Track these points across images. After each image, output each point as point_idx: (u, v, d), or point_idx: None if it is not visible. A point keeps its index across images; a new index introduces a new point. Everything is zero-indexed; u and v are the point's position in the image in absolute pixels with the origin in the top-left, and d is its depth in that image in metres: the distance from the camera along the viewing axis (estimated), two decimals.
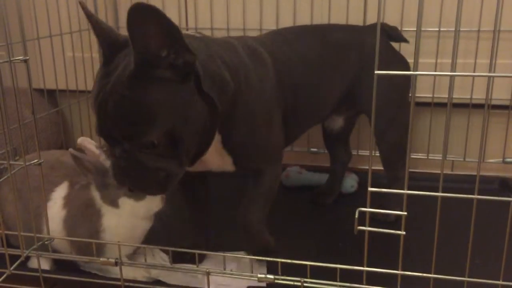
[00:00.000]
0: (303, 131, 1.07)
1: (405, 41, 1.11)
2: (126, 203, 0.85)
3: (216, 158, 0.83)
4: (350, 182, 1.26)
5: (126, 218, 0.86)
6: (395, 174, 1.07)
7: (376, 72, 0.63)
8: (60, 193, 0.89)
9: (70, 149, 0.85)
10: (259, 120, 0.84)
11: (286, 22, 1.30)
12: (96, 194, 0.87)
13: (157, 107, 0.66)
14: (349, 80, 1.03)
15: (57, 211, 0.87)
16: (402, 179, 1.02)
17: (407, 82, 1.06)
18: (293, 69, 0.94)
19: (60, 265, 0.91)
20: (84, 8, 0.74)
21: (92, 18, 0.72)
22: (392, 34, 1.09)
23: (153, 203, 0.86)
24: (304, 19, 1.30)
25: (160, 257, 0.94)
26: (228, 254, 0.82)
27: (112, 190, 0.85)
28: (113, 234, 0.86)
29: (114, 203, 0.85)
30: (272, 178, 0.91)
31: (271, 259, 0.81)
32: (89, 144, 0.86)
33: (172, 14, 1.36)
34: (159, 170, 0.70)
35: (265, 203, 0.91)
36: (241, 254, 0.90)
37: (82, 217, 0.86)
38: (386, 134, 1.06)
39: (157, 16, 0.62)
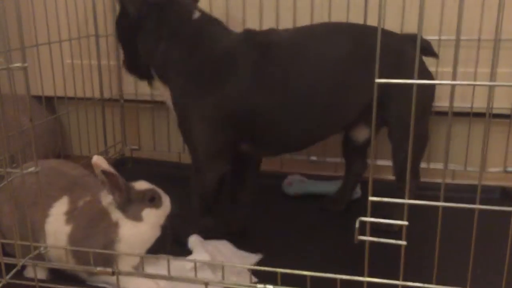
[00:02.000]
0: (304, 137, 1.02)
1: (436, 56, 1.07)
2: (149, 214, 0.88)
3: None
4: None
5: (146, 228, 0.88)
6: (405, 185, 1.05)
7: (376, 80, 0.62)
8: (60, 209, 0.87)
9: (105, 168, 0.83)
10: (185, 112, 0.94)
11: (286, 23, 1.30)
12: (112, 208, 0.87)
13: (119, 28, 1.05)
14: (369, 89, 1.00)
15: (60, 226, 0.86)
16: (410, 191, 1.02)
17: (431, 95, 1.05)
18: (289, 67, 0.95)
19: (56, 275, 0.90)
20: None
21: None
22: (423, 46, 1.03)
23: (168, 209, 0.90)
24: (304, 21, 1.29)
25: None
26: (226, 264, 0.81)
27: (135, 205, 0.87)
28: (130, 243, 0.86)
29: (138, 217, 0.87)
30: (193, 184, 0.99)
31: (270, 269, 0.80)
32: (104, 163, 0.85)
33: None
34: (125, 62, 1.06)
35: (193, 203, 1.01)
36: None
37: (96, 229, 0.86)
38: (405, 145, 1.02)
39: None
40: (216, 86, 0.92)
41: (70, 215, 0.86)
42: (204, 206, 1.01)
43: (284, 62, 0.95)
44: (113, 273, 0.80)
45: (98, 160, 0.85)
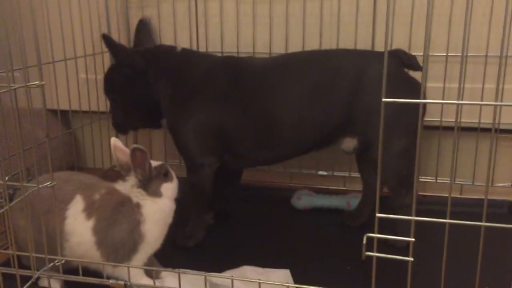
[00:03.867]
0: (276, 153, 1.11)
1: (420, 69, 1.06)
2: (167, 188, 0.94)
3: None
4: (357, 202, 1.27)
5: (166, 202, 0.94)
6: (400, 201, 1.05)
7: (383, 99, 0.63)
8: (76, 208, 0.89)
9: (135, 145, 0.89)
10: (177, 125, 1.10)
11: (295, 46, 1.32)
12: (131, 192, 0.91)
13: (113, 83, 1.15)
14: (340, 107, 1.04)
15: (81, 224, 0.88)
16: (408, 206, 1.02)
17: (412, 111, 1.02)
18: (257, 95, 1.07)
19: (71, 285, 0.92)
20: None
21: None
22: (405, 61, 1.06)
23: (177, 181, 0.97)
24: (313, 44, 1.31)
25: None
26: (236, 279, 0.82)
27: (154, 181, 0.93)
28: (154, 220, 0.91)
29: (158, 193, 0.92)
30: (191, 181, 1.11)
31: (278, 283, 0.81)
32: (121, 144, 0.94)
33: (184, 38, 1.39)
34: (120, 117, 1.18)
35: (194, 201, 1.13)
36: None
37: (119, 215, 0.89)
38: (386, 162, 1.01)
39: (116, 44, 1.11)
40: (195, 106, 1.08)
41: (89, 210, 0.89)
42: (203, 202, 1.13)
43: (252, 88, 1.07)
44: (125, 286, 0.81)
45: (117, 142, 0.93)
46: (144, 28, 1.20)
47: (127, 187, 0.92)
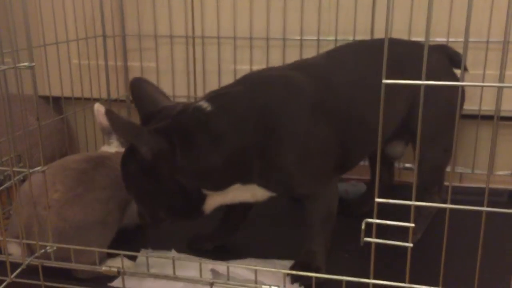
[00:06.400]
0: (361, 155, 1.02)
1: (466, 70, 1.07)
2: None
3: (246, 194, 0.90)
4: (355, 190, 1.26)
5: None
6: (432, 200, 1.01)
7: (383, 81, 0.62)
8: None
9: (107, 108, 0.93)
10: (293, 152, 0.85)
11: (293, 31, 1.31)
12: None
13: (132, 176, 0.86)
14: (407, 101, 0.98)
15: None
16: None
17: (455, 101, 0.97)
18: (343, 94, 0.92)
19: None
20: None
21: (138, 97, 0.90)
22: (454, 59, 1.06)
23: None
24: (311, 29, 1.30)
25: None
26: (232, 265, 0.80)
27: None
28: None
29: None
30: (325, 201, 0.93)
31: (275, 270, 0.80)
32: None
33: (179, 23, 1.37)
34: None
35: (325, 230, 0.93)
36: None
37: None
38: (426, 155, 0.94)
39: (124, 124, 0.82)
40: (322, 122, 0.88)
41: None
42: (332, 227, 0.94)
43: (336, 91, 0.92)
44: (118, 273, 0.80)
45: (100, 107, 1.01)
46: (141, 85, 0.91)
47: (113, 148, 1.02)
